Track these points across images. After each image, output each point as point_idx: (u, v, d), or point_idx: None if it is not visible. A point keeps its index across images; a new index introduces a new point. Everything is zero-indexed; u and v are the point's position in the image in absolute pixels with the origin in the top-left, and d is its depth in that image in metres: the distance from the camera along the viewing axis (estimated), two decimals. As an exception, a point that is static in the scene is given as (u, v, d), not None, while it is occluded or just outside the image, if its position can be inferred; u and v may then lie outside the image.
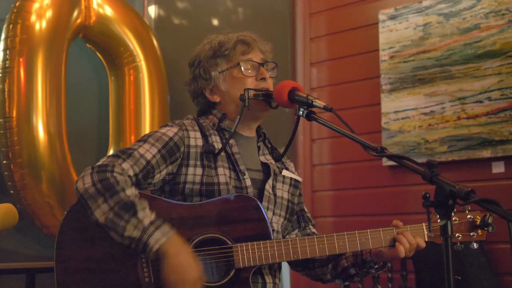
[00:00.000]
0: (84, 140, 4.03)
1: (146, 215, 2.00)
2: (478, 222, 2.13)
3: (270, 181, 2.26)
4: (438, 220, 2.04)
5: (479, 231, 2.13)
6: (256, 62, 2.25)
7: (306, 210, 2.44)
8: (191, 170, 2.17)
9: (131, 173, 2.08)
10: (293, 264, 2.38)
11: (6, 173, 3.41)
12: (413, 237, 2.15)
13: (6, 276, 3.21)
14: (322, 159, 4.49)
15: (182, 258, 1.98)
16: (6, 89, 3.37)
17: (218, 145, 2.22)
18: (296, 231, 2.38)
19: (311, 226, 2.41)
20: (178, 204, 2.13)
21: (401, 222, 2.19)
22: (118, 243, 2.01)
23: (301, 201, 2.42)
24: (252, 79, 2.23)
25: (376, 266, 2.21)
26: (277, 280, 2.23)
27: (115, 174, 2.04)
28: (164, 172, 2.16)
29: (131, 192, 2.03)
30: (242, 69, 2.23)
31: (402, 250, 2.12)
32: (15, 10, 3.45)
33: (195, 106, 2.37)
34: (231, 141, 2.24)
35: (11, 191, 3.43)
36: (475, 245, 2.08)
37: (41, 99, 3.40)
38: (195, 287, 1.98)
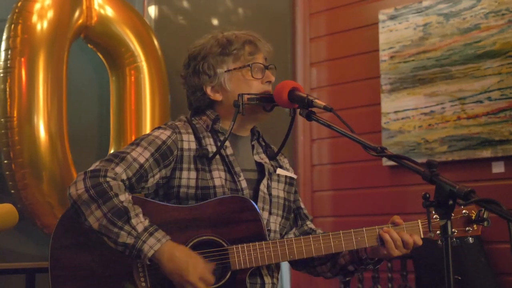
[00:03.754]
0: (85, 140, 4.03)
1: (140, 221, 1.98)
2: (473, 217, 2.13)
3: (264, 181, 2.24)
4: (434, 217, 2.05)
5: (475, 226, 2.14)
6: (263, 65, 2.23)
7: (302, 206, 2.41)
8: (185, 173, 2.15)
9: (124, 177, 2.06)
10: (293, 264, 2.38)
11: (7, 172, 3.41)
12: (403, 234, 2.14)
13: (6, 276, 3.21)
14: (322, 159, 4.49)
15: (177, 261, 1.97)
16: (7, 89, 3.37)
17: (212, 147, 2.19)
18: (294, 230, 2.37)
19: (308, 223, 2.39)
20: (172, 206, 2.12)
21: (400, 220, 2.19)
22: (113, 249, 2.01)
23: (297, 198, 2.40)
24: (258, 82, 2.20)
25: (373, 261, 2.21)
26: (275, 280, 2.23)
27: (108, 179, 2.02)
28: (157, 176, 2.14)
29: (124, 197, 2.01)
30: (252, 71, 2.20)
31: (391, 242, 2.11)
32: (16, 10, 3.46)
33: (192, 102, 2.29)
34: (226, 142, 2.22)
35: (12, 191, 3.44)
36: (470, 240, 2.08)
37: (42, 99, 3.40)
38: (203, 279, 2.00)
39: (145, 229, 1.98)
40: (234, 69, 2.21)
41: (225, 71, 2.22)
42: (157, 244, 1.97)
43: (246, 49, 2.22)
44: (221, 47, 2.22)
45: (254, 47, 2.24)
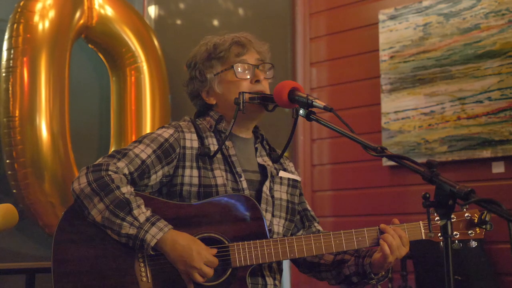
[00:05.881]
0: (86, 140, 4.04)
1: (142, 211, 2.02)
2: (476, 220, 2.13)
3: (267, 183, 2.26)
4: (436, 219, 2.05)
5: (477, 229, 2.13)
6: (250, 64, 2.23)
7: (309, 208, 2.43)
8: (187, 171, 2.17)
9: (126, 171, 2.10)
10: (299, 266, 2.39)
11: (9, 172, 3.42)
12: (400, 231, 2.13)
13: (6, 276, 3.22)
14: (322, 159, 4.49)
15: (180, 248, 2.00)
16: (9, 88, 3.38)
17: (214, 147, 2.22)
18: (301, 231, 2.38)
19: (316, 224, 2.41)
20: (174, 204, 2.14)
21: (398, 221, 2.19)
22: (116, 241, 2.03)
23: (302, 200, 2.42)
24: (246, 82, 2.22)
25: (377, 277, 2.20)
26: (277, 282, 2.24)
27: (109, 172, 2.05)
28: (160, 173, 2.16)
29: (126, 189, 2.04)
30: (236, 72, 2.21)
31: (386, 248, 2.10)
32: (19, 10, 3.47)
33: (194, 106, 2.37)
34: (228, 143, 2.24)
35: (14, 190, 3.44)
36: (473, 244, 2.08)
37: (44, 98, 3.41)
38: (208, 263, 2.02)
39: (147, 219, 2.00)
40: (221, 71, 2.24)
41: (214, 75, 2.25)
42: (159, 233, 1.99)
43: (232, 51, 2.24)
44: (208, 52, 2.26)
45: (241, 48, 2.25)
